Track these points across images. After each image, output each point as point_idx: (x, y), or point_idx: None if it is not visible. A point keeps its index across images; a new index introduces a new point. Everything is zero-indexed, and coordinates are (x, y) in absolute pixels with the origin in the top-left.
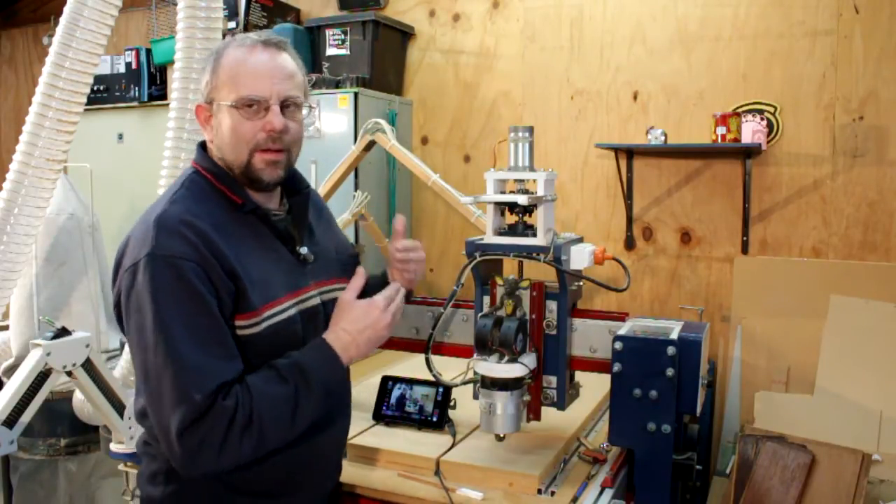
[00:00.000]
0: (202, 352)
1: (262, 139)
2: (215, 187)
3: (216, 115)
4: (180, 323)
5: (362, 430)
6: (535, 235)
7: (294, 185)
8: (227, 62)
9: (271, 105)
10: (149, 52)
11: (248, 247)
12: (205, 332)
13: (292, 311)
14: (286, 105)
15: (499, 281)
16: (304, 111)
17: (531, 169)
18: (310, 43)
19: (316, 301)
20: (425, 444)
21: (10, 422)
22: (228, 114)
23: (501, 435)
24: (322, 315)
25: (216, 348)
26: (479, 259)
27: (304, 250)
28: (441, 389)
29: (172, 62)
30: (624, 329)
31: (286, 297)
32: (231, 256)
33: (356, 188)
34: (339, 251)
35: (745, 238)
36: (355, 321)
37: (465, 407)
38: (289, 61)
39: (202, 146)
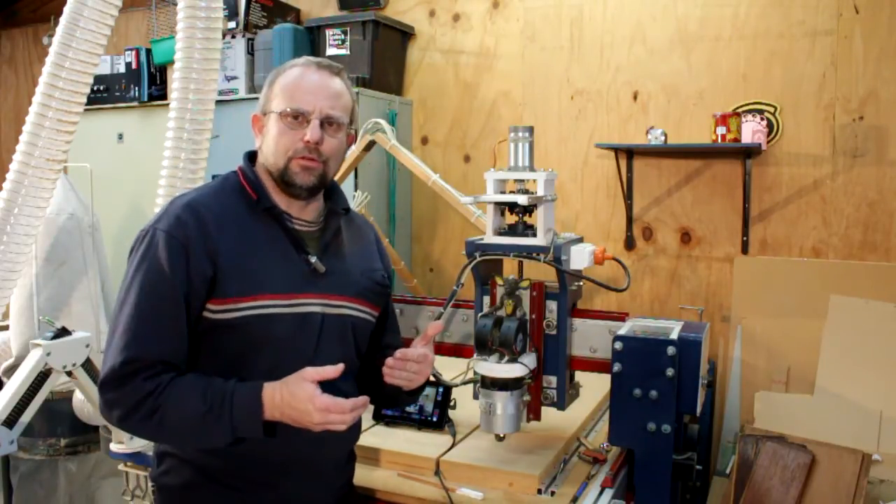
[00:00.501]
0: (145, 324)
1: (299, 148)
2: (242, 185)
3: (267, 123)
4: (141, 292)
5: (362, 430)
6: (535, 235)
7: (333, 204)
8: (284, 77)
9: (312, 119)
10: (149, 52)
11: (251, 241)
12: (157, 307)
13: (279, 311)
14: (328, 122)
15: (499, 281)
16: (341, 134)
17: (531, 169)
18: (310, 43)
19: (314, 309)
20: (425, 444)
21: (10, 422)
22: (275, 121)
23: (501, 435)
24: (319, 326)
25: (161, 326)
26: (479, 259)
27: (313, 259)
28: (441, 389)
29: (172, 62)
30: (624, 329)
31: (277, 296)
32: (221, 244)
33: (356, 188)
34: (366, 275)
35: (745, 238)
36: (292, 396)
37: (465, 407)
38: (338, 84)
39: (249, 156)
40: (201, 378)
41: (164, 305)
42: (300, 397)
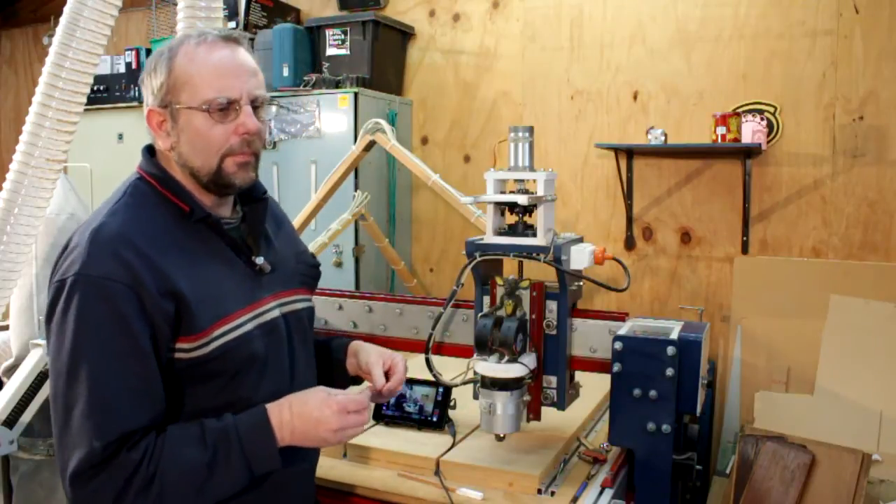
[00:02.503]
0: (114, 392)
1: (235, 143)
2: (161, 194)
3: (176, 119)
4: (97, 356)
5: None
6: (535, 235)
7: (251, 191)
8: (186, 61)
9: (242, 105)
10: (149, 52)
11: (197, 260)
12: (123, 368)
13: (248, 327)
14: (256, 104)
15: (499, 281)
16: (272, 111)
17: (531, 169)
18: (310, 43)
19: (275, 314)
20: (425, 444)
21: (10, 422)
22: (194, 118)
23: (501, 435)
24: (283, 329)
25: (133, 389)
26: (479, 259)
27: (259, 260)
28: (441, 389)
29: None
30: (624, 329)
31: (240, 311)
32: (172, 274)
33: (356, 188)
34: (300, 261)
35: (745, 238)
36: (304, 404)
37: (465, 407)
38: (249, 57)
39: (149, 150)
40: (189, 425)
41: (131, 364)
42: (313, 405)
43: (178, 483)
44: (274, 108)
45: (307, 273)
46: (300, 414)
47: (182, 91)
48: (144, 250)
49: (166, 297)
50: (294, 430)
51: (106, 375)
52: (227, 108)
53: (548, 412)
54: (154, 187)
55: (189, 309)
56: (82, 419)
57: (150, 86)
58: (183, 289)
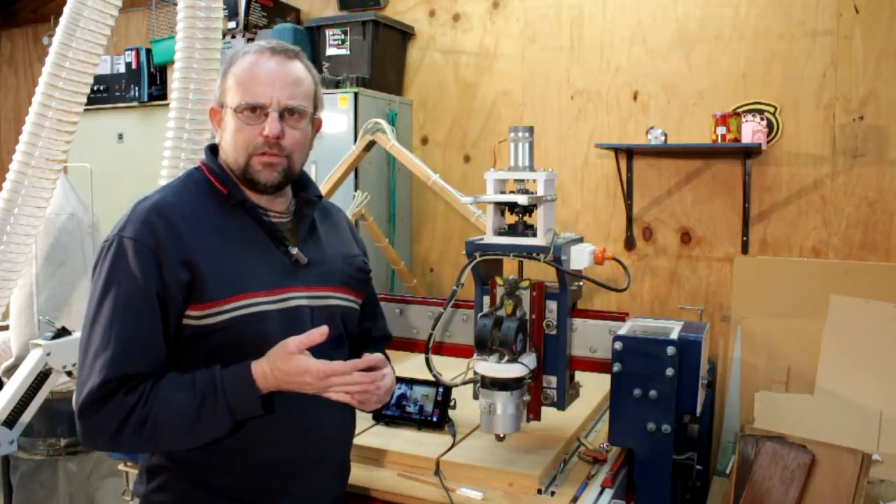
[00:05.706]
0: (120, 339)
1: (259, 143)
2: (209, 181)
3: (224, 117)
4: (113, 305)
5: (362, 430)
6: (535, 235)
7: (306, 193)
8: (237, 67)
9: (270, 111)
10: (149, 52)
11: (227, 239)
12: (132, 319)
13: (266, 308)
14: (289, 113)
15: (499, 281)
16: (304, 122)
17: (531, 169)
18: (310, 43)
19: (301, 303)
20: (425, 444)
21: (10, 422)
22: (232, 118)
23: (501, 435)
24: (308, 319)
25: (137, 338)
26: (479, 259)
27: (294, 250)
28: (441, 389)
29: (172, 62)
30: (624, 329)
31: (261, 293)
32: (194, 246)
33: (356, 188)
34: (347, 263)
35: (745, 238)
36: (284, 374)
37: (465, 407)
38: (298, 69)
39: (211, 149)
40: (183, 374)
41: (141, 319)
42: (293, 373)
43: (169, 425)
44: (305, 123)
45: (351, 275)
46: (283, 379)
47: (228, 93)
48: (174, 222)
49: (183, 265)
50: (279, 387)
51: (116, 324)
52: (257, 112)
53: (548, 412)
54: (205, 175)
55: (202, 279)
56: (93, 358)
57: (217, 87)
58: (200, 260)
